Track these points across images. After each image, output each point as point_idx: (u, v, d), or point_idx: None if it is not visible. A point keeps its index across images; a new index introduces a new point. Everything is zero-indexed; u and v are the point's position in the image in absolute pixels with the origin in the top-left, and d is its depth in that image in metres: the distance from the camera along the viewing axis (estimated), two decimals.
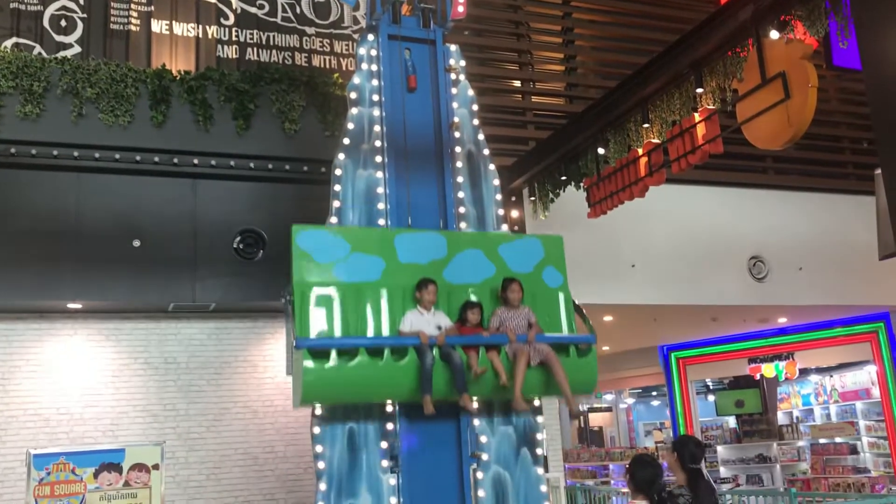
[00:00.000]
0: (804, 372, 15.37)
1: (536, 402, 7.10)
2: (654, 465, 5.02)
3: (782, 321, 13.82)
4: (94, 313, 8.84)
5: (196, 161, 8.88)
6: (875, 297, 11.85)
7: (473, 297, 6.87)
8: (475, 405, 6.70)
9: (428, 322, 6.58)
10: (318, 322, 6.46)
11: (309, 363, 6.18)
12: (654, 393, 21.33)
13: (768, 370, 14.56)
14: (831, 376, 15.50)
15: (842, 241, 11.64)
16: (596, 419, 23.10)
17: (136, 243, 8.53)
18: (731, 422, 16.78)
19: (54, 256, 8.23)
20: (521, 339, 6.59)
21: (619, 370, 18.08)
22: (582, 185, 9.24)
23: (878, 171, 5.22)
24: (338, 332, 6.49)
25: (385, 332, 6.62)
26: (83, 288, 8.30)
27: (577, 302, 7.24)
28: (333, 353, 6.24)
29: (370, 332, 6.58)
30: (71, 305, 8.53)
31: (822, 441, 14.89)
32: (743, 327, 14.15)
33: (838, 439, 14.68)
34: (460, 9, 7.99)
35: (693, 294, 11.13)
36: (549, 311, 7.13)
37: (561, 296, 7.22)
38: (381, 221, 7.18)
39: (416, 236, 7.02)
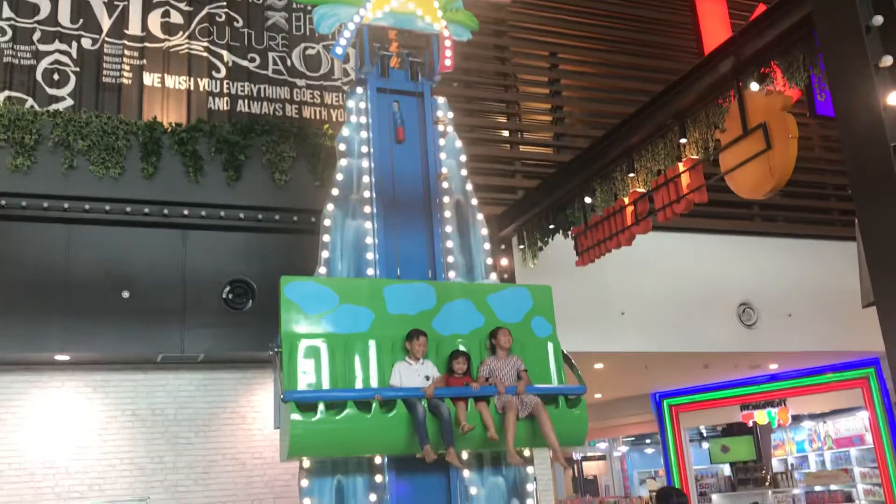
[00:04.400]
0: (797, 418, 15.31)
1: (527, 453, 7.07)
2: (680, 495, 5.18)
3: (773, 367, 13.81)
4: (82, 365, 8.78)
5: (186, 212, 8.91)
6: (865, 342, 11.84)
7: (461, 348, 6.88)
8: (464, 457, 6.66)
9: (416, 372, 6.60)
10: (306, 374, 6.46)
11: (296, 416, 6.15)
12: (648, 441, 21.16)
13: (761, 417, 14.49)
14: (825, 422, 15.43)
15: (830, 286, 11.69)
16: (590, 468, 22.87)
17: (126, 294, 8.51)
18: (726, 470, 16.63)
19: (43, 308, 8.20)
20: (511, 392, 6.57)
21: (613, 418, 17.95)
22: (570, 233, 9.31)
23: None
24: (326, 385, 6.48)
25: (374, 383, 6.60)
26: (71, 339, 8.26)
27: (566, 352, 7.25)
28: (321, 406, 6.22)
29: (359, 384, 6.57)
30: (58, 357, 8.47)
31: (817, 489, 14.76)
32: (734, 374, 14.12)
33: (833, 487, 14.56)
34: (448, 62, 8.12)
35: (683, 341, 11.14)
36: (539, 361, 7.13)
37: (550, 345, 7.24)
38: (370, 271, 7.23)
39: (405, 287, 7.05)
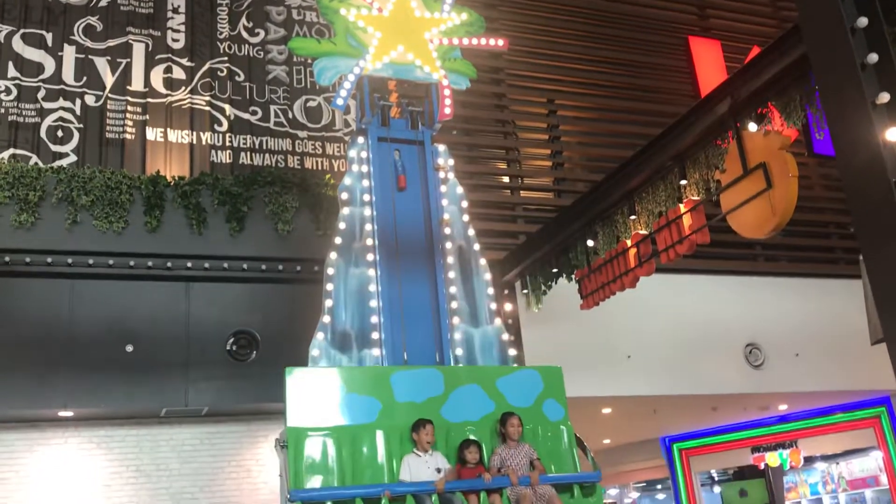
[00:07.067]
0: (809, 460, 15.08)
1: None
2: None
3: (783, 408, 13.65)
4: (86, 420, 8.71)
5: (189, 264, 8.93)
6: (875, 381, 11.71)
7: (471, 436, 6.68)
8: None
9: (426, 465, 6.39)
10: (313, 470, 6.29)
11: None
12: (660, 486, 20.84)
13: (772, 459, 14.26)
14: (838, 463, 15.20)
15: (836, 325, 11.61)
16: None
17: (129, 348, 8.49)
18: None
19: (47, 364, 8.18)
20: (524, 482, 6.35)
21: (622, 463, 17.69)
22: (573, 276, 9.29)
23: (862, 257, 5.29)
24: (334, 480, 6.31)
25: (383, 476, 6.44)
26: (75, 395, 8.22)
27: (578, 436, 7.08)
28: None
29: (367, 478, 6.40)
30: (62, 413, 8.41)
31: None
32: (744, 416, 13.96)
33: None
34: (447, 110, 8.19)
35: (691, 384, 11.04)
36: (552, 445, 6.97)
37: (563, 429, 7.07)
38: (374, 319, 7.21)
39: (412, 373, 6.90)
